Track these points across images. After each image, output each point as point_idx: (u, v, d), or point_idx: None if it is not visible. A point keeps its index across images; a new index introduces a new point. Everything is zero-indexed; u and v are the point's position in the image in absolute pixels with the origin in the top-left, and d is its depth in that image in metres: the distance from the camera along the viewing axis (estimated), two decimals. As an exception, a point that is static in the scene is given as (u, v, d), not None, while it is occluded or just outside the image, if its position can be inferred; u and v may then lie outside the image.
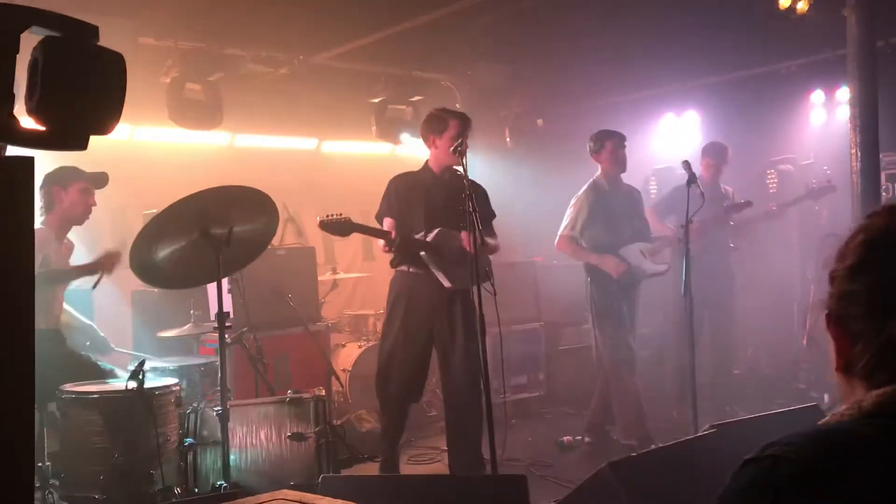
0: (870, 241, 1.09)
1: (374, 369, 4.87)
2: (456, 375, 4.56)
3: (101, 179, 4.57)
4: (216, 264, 3.69)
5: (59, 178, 4.42)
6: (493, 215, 4.77)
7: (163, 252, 3.72)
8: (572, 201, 5.46)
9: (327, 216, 4.28)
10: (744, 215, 6.14)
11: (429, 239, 4.45)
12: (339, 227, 4.28)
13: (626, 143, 5.42)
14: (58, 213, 4.45)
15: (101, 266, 4.44)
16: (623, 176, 5.50)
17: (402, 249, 4.47)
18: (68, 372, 4.05)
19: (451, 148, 4.35)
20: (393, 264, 4.68)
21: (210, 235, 3.70)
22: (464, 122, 4.58)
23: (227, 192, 3.72)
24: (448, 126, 4.54)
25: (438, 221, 4.51)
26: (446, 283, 4.48)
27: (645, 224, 5.59)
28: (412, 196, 4.59)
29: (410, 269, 4.58)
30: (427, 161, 4.71)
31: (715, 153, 6.23)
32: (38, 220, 4.40)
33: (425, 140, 4.67)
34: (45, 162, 4.40)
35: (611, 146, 5.35)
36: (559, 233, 5.43)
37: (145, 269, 3.76)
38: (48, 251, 4.34)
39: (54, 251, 4.41)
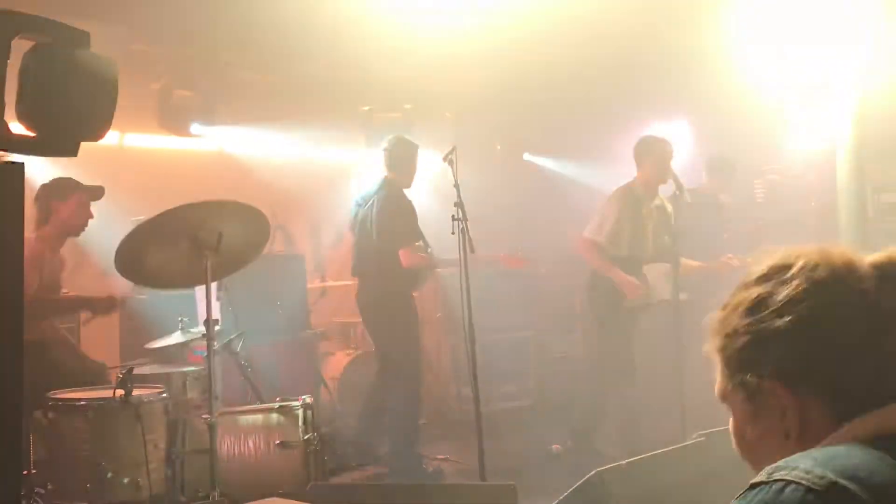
0: (807, 290, 1.05)
1: (362, 376, 4.97)
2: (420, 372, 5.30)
3: (97, 192, 4.55)
4: (204, 270, 3.68)
5: (57, 189, 4.39)
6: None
7: (151, 256, 3.71)
8: (604, 203, 5.17)
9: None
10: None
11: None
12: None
13: (672, 153, 5.12)
14: (55, 225, 4.41)
15: (96, 307, 4.46)
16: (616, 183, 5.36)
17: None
18: (56, 378, 4.02)
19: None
20: (367, 272, 5.15)
21: (198, 241, 3.68)
22: None
23: (219, 205, 3.72)
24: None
25: None
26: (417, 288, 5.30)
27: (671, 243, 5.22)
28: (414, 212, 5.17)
29: (393, 276, 5.01)
30: (390, 178, 5.18)
31: (719, 167, 6.15)
32: (31, 233, 4.36)
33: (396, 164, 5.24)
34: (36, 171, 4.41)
35: (658, 154, 5.05)
36: (584, 234, 5.13)
37: (133, 270, 3.75)
38: (42, 267, 4.30)
39: (48, 267, 4.37)
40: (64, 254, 4.61)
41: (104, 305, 4.46)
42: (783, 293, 1.06)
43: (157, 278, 3.94)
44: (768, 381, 1.05)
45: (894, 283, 1.06)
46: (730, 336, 1.11)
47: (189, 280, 3.95)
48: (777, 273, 1.09)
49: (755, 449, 1.10)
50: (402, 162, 5.24)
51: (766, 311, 1.06)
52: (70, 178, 4.44)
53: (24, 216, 1.85)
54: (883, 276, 1.07)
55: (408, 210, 5.12)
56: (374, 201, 5.10)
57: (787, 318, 1.04)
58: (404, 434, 5.07)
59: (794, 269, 1.08)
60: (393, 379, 5.11)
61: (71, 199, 4.41)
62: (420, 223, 5.22)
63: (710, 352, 1.15)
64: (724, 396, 1.14)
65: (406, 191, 5.30)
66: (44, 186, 4.40)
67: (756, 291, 1.10)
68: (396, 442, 5.09)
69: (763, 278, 1.11)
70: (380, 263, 5.03)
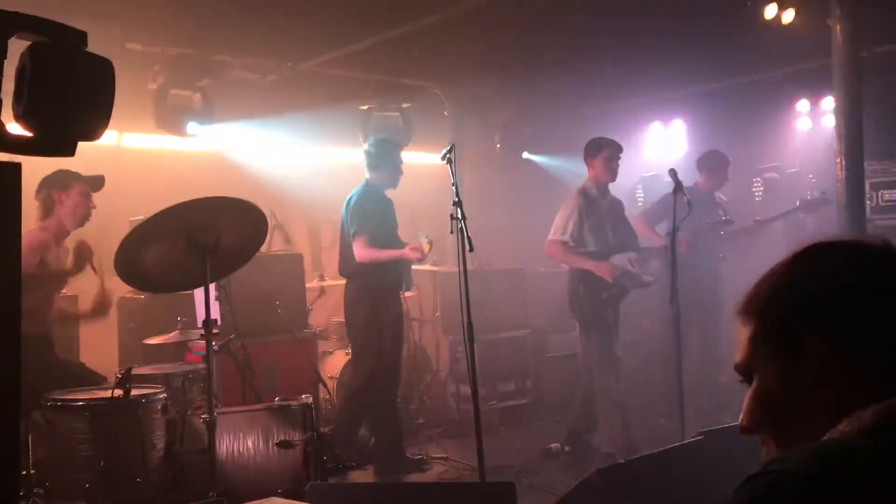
0: (859, 258, 1.07)
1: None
2: (396, 372, 5.30)
3: (98, 182, 4.57)
4: (203, 270, 3.67)
5: (60, 181, 4.39)
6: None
7: (149, 256, 3.70)
8: (562, 206, 5.42)
9: None
10: (735, 227, 6.12)
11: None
12: None
13: (621, 154, 5.41)
14: (58, 217, 4.41)
15: (81, 261, 4.36)
16: (612, 183, 5.50)
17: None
18: (55, 379, 4.02)
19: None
20: (350, 273, 5.24)
21: (197, 242, 3.68)
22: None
23: (216, 202, 3.70)
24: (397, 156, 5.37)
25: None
26: (404, 289, 5.31)
27: (632, 234, 5.57)
28: (386, 212, 5.25)
29: (374, 277, 5.11)
30: (370, 180, 5.31)
31: (714, 163, 6.21)
32: (34, 225, 4.36)
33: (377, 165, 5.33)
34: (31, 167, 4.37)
35: (606, 154, 5.34)
36: (548, 237, 5.37)
37: (131, 273, 3.74)
38: (46, 255, 4.30)
39: (52, 255, 4.37)
40: (67, 245, 4.61)
41: (85, 255, 4.40)
42: (839, 260, 1.07)
43: (157, 282, 3.93)
44: (820, 341, 1.04)
45: None
46: (777, 296, 1.09)
47: (189, 282, 3.93)
48: (826, 247, 1.10)
49: (781, 419, 1.07)
50: (383, 163, 5.30)
51: (824, 272, 1.06)
52: (70, 170, 4.45)
53: (24, 212, 1.84)
54: None
55: (374, 206, 5.16)
56: (348, 202, 5.25)
57: (848, 279, 1.05)
58: (385, 435, 5.25)
59: (843, 245, 1.09)
60: (359, 382, 5.22)
61: (73, 189, 4.42)
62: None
63: (739, 318, 1.13)
64: (749, 364, 1.11)
65: (400, 189, 5.36)
66: (45, 179, 4.39)
67: (807, 258, 1.10)
68: (381, 441, 5.27)
69: (811, 250, 1.11)
70: (357, 263, 5.12)
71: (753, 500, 0.94)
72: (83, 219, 4.51)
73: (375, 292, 5.15)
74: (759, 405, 1.10)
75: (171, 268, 3.77)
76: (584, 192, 5.39)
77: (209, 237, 3.68)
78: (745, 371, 1.12)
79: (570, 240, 5.29)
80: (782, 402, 1.07)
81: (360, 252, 5.06)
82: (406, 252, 5.08)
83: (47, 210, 4.39)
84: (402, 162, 5.38)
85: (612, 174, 5.40)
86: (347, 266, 5.24)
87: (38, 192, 4.37)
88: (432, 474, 5.22)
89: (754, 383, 1.11)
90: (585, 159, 5.44)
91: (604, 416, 5.25)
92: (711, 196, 6.17)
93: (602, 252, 5.31)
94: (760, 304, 1.10)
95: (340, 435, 5.10)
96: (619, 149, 5.40)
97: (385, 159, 5.30)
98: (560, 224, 5.35)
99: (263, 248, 6.17)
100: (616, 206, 5.55)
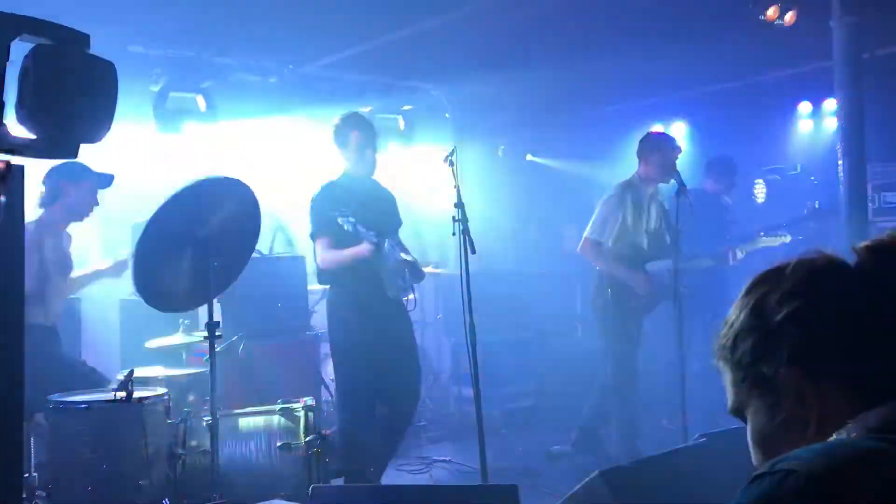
0: (809, 277, 1.08)
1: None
2: (408, 382, 4.66)
3: (107, 180, 4.55)
4: (211, 274, 3.66)
5: (71, 172, 4.34)
6: (401, 223, 4.82)
7: (165, 273, 3.67)
8: (603, 201, 5.10)
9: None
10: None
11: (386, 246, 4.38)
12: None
13: (678, 156, 5.08)
14: (62, 207, 4.38)
15: (118, 269, 4.55)
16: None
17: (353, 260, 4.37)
18: (61, 376, 4.02)
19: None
20: (326, 281, 4.66)
21: (199, 242, 3.66)
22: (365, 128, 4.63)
23: (200, 188, 3.65)
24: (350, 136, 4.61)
25: (379, 228, 4.41)
26: (392, 295, 4.48)
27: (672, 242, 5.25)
28: (354, 203, 4.43)
29: (350, 285, 4.50)
30: (345, 170, 4.71)
31: (722, 169, 6.15)
32: (35, 213, 4.33)
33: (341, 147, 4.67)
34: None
35: (665, 154, 5.01)
36: (584, 234, 5.09)
37: (154, 295, 3.72)
38: (43, 248, 4.30)
39: (50, 247, 4.36)
40: (69, 231, 4.61)
41: (120, 269, 4.52)
42: (786, 285, 1.09)
43: (175, 299, 3.85)
44: (785, 369, 1.06)
45: (890, 254, 1.07)
46: (739, 339, 1.12)
47: (203, 296, 3.77)
48: (773, 274, 1.12)
49: (777, 448, 1.09)
50: (342, 145, 4.69)
51: (772, 304, 1.08)
52: (82, 163, 4.40)
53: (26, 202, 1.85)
54: (876, 249, 1.09)
55: (321, 201, 4.51)
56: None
57: (794, 305, 1.06)
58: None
59: (790, 267, 1.11)
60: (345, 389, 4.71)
61: (83, 184, 4.40)
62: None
63: (719, 367, 1.16)
64: (740, 406, 1.14)
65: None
66: (55, 168, 4.34)
67: (756, 293, 1.12)
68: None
69: (760, 282, 1.13)
70: (325, 270, 4.64)
71: (761, 498, 0.94)
72: (84, 214, 4.50)
73: (349, 297, 4.53)
74: (755, 444, 1.13)
75: (183, 280, 3.73)
76: (630, 188, 5.07)
77: (207, 228, 3.65)
78: (738, 414, 1.15)
79: (607, 239, 5.00)
80: (773, 437, 1.10)
81: (321, 256, 4.51)
82: (359, 248, 4.30)
83: (52, 198, 4.35)
84: (366, 141, 4.63)
85: (668, 174, 4.97)
86: (321, 273, 4.70)
87: (46, 179, 4.33)
88: (434, 476, 5.21)
89: (748, 425, 1.14)
90: (639, 154, 5.11)
91: (615, 422, 5.16)
92: (718, 199, 6.16)
93: (640, 257, 5.05)
94: (728, 348, 1.14)
95: (343, 440, 4.92)
96: (678, 150, 5.10)
97: (344, 142, 4.65)
98: (598, 222, 5.03)
99: (265, 251, 6.19)
100: (662, 207, 5.20)
